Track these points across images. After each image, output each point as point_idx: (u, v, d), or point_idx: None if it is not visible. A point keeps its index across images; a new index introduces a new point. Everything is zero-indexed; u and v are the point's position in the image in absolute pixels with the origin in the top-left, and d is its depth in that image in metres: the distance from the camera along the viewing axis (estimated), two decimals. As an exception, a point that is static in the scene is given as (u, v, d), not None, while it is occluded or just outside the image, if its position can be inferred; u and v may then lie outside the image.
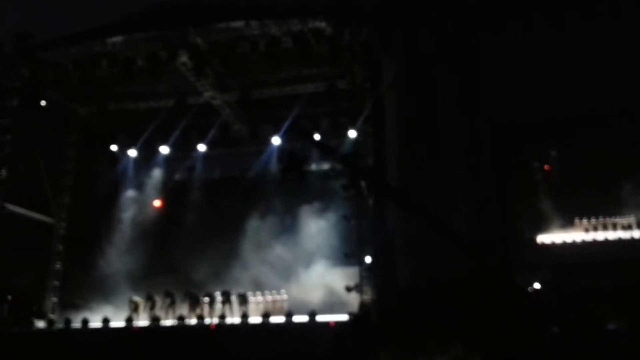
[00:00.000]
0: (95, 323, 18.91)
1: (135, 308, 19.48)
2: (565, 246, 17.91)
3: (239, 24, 18.18)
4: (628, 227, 17.77)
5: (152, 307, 19.53)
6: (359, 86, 18.51)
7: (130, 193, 23.03)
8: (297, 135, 13.23)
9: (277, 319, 17.84)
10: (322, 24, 17.70)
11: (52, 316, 20.37)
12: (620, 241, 17.50)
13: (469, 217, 17.35)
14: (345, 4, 17.55)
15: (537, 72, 17.55)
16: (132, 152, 22.95)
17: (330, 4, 17.72)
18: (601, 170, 18.01)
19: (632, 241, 17.41)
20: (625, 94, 17.02)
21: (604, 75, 17.22)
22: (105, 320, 18.89)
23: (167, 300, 19.58)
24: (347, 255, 18.18)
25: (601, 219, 18.11)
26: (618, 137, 17.78)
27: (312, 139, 16.43)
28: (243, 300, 19.15)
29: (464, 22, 17.74)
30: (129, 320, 18.95)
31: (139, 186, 23.22)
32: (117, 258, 21.57)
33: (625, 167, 18.00)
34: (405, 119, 18.38)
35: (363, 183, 18.66)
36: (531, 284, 16.36)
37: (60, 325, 19.37)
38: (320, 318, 17.29)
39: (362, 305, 17.38)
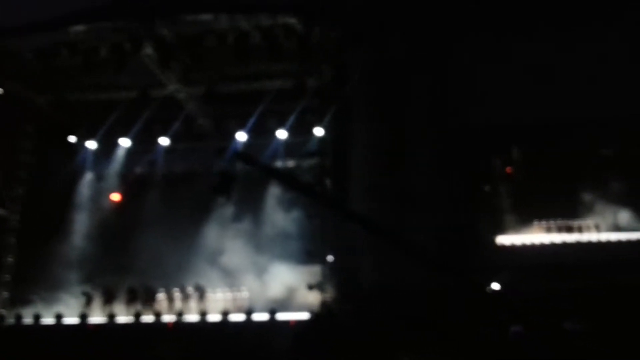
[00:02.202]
0: (48, 319, 18.37)
1: (88, 301, 18.94)
2: (524, 248, 18.18)
3: (207, 17, 17.93)
4: (586, 230, 18.15)
5: (107, 303, 19.07)
6: (327, 85, 18.50)
7: (88, 186, 22.41)
8: (243, 161, 13.27)
9: (237, 317, 17.62)
10: (293, 21, 17.60)
11: (2, 311, 19.64)
12: (578, 244, 17.86)
13: (434, 221, 17.49)
14: (317, 2, 17.50)
15: (505, 77, 17.83)
16: (92, 144, 22.34)
17: (302, 1, 17.63)
18: (562, 175, 18.36)
19: (590, 244, 17.78)
20: (589, 103, 17.42)
21: (570, 84, 17.61)
22: (59, 316, 18.38)
23: (123, 297, 19.17)
24: (310, 253, 18.08)
25: (560, 221, 18.44)
26: (579, 143, 18.17)
27: (260, 164, 16.30)
28: (202, 296, 18.89)
29: (435, 26, 17.89)
30: (83, 316, 18.46)
31: (98, 179, 22.61)
32: (72, 252, 20.92)
33: (585, 172, 18.40)
34: (372, 120, 18.44)
35: (328, 182, 18.68)
36: (490, 286, 16.54)
37: (11, 320, 18.76)
38: (280, 316, 17.15)
39: (324, 304, 17.31)
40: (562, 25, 17.60)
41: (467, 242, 17.81)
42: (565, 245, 17.85)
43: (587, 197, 18.34)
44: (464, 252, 17.24)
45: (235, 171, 12.24)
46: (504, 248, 18.30)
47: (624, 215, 18.17)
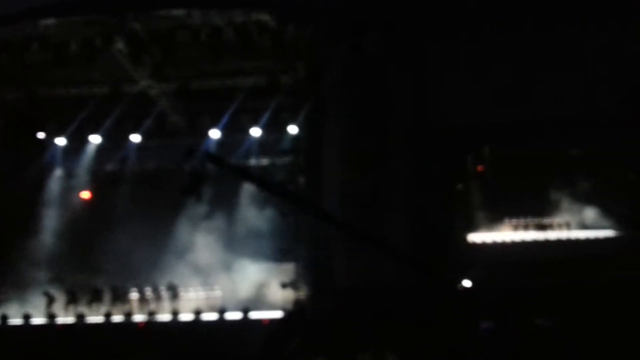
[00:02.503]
0: (16, 319, 18.00)
1: (50, 302, 18.62)
2: (495, 246, 18.35)
3: (180, 12, 17.72)
4: (557, 228, 18.40)
5: (71, 303, 18.79)
6: (302, 82, 18.43)
7: (57, 183, 22.02)
8: (212, 162, 13.24)
9: (210, 316, 17.47)
10: (266, 17, 17.49)
11: (-32, 311, 19.18)
12: (548, 241, 18.08)
13: (409, 220, 17.55)
14: (291, -1, 17.45)
15: (477, 77, 17.98)
16: (61, 141, 21.94)
17: (276, -2, 17.56)
18: (533, 174, 18.57)
19: (560, 242, 18.02)
20: (560, 104, 17.68)
21: (542, 84, 17.82)
22: (26, 317, 18.02)
23: (93, 296, 18.89)
24: (284, 251, 18.01)
25: (530, 219, 18.66)
26: (549, 142, 18.39)
27: (230, 166, 16.22)
28: (174, 296, 18.70)
29: (413, 25, 17.93)
30: (52, 316, 18.13)
31: (67, 176, 22.24)
32: (41, 251, 20.55)
33: (555, 171, 18.64)
34: (347, 120, 18.44)
35: (302, 180, 18.64)
36: (461, 282, 16.68)
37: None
38: (253, 315, 17.06)
39: (297, 302, 17.27)
40: (535, 24, 17.78)
41: (439, 241, 17.91)
42: (535, 243, 18.03)
43: (556, 195, 18.57)
44: (436, 250, 17.35)
45: (205, 172, 12.06)
46: (475, 246, 18.43)
47: (592, 214, 18.45)
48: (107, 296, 19.11)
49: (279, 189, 15.50)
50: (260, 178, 17.05)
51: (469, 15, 17.97)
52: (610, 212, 18.11)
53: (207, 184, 11.91)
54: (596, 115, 17.81)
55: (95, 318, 18.27)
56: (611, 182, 18.60)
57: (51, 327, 17.94)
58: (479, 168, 19.24)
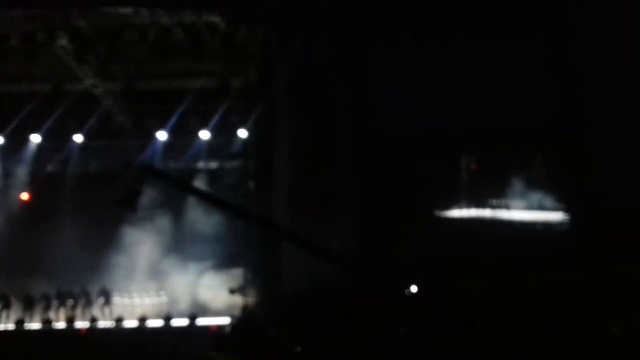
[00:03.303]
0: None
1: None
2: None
3: (127, 10, 17.28)
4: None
5: (8, 307, 18.21)
6: (252, 85, 18.28)
7: (-6, 183, 21.11)
8: (151, 175, 13.10)
9: (155, 323, 17.13)
10: (217, 19, 17.25)
11: None
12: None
13: (356, 223, 17.68)
14: (242, 1, 17.23)
15: (423, 83, 18.30)
16: (-1, 139, 21.03)
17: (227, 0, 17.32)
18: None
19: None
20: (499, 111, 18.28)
21: (482, 92, 18.33)
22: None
23: (30, 301, 18.25)
24: (232, 256, 17.83)
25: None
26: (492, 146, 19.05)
27: (170, 178, 16.03)
28: (116, 301, 18.25)
29: (360, 30, 18.06)
30: (-11, 323, 17.45)
31: (5, 177, 21.30)
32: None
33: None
34: (296, 124, 18.43)
35: (251, 184, 18.50)
36: (408, 288, 16.91)
37: None
38: (201, 321, 16.83)
39: (245, 308, 17.13)
40: (476, 33, 18.27)
41: (386, 244, 18.14)
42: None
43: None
44: (382, 253, 17.56)
45: (141, 185, 11.85)
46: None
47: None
48: (46, 302, 18.50)
49: (220, 201, 15.30)
50: (200, 190, 16.82)
51: (414, 21, 18.27)
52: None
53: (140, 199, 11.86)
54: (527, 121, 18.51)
55: (34, 324, 17.66)
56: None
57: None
58: (472, 168, 19.62)
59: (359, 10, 18.17)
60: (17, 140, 20.82)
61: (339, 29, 18.07)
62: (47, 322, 17.56)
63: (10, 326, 17.63)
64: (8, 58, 17.79)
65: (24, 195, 21.08)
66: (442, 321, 13.34)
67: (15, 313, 18.18)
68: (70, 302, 18.35)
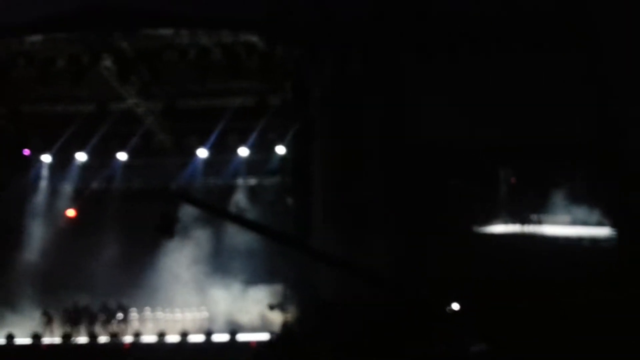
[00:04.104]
0: (-1, 339, 17.82)
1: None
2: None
3: (168, 31, 17.68)
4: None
5: (50, 323, 18.66)
6: (289, 103, 18.44)
7: (42, 201, 21.78)
8: (185, 202, 13.47)
9: (196, 338, 17.36)
10: (254, 38, 17.49)
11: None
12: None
13: (390, 239, 17.59)
14: (278, 21, 17.43)
15: (457, 98, 18.17)
16: (47, 158, 21.75)
17: (264, 19, 17.53)
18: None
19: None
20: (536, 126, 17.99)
21: (518, 106, 18.08)
22: (10, 337, 17.81)
23: (77, 316, 18.72)
24: (271, 272, 17.95)
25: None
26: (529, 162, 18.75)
27: (201, 203, 16.33)
28: (159, 317, 18.56)
29: (392, 44, 18.07)
30: (36, 336, 17.93)
31: (52, 194, 22.00)
32: (25, 269, 20.30)
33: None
34: (330, 140, 18.48)
35: (289, 200, 18.63)
36: (449, 305, 16.73)
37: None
38: (241, 337, 16.98)
39: (285, 324, 17.19)
40: (510, 46, 18.06)
41: (421, 260, 17.97)
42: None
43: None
44: (421, 271, 17.40)
45: (177, 212, 12.30)
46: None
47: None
48: (90, 316, 18.95)
49: (256, 225, 15.59)
50: (235, 215, 17.10)
51: (447, 36, 18.17)
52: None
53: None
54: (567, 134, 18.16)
55: (80, 339, 18.12)
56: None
57: (36, 347, 17.72)
58: (513, 180, 19.37)
59: (391, 25, 18.18)
60: (64, 159, 21.54)
61: (371, 44, 18.12)
62: (92, 336, 17.95)
63: (57, 340, 18.05)
64: (54, 80, 18.33)
65: (70, 212, 21.70)
66: (482, 341, 13.22)
67: (60, 328, 18.61)
68: (119, 316, 18.72)
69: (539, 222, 18.89)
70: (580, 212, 18.92)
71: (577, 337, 13.93)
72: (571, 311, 15.22)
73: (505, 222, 19.08)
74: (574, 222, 18.89)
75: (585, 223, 18.71)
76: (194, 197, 14.74)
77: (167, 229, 11.94)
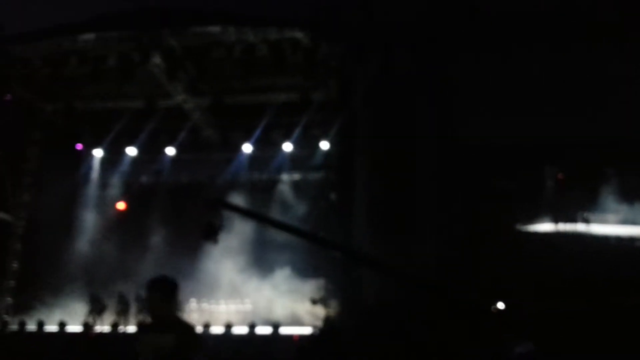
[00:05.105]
0: (51, 326, 18.41)
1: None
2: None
3: (215, 29, 17.96)
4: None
5: (102, 311, 19.19)
6: (333, 99, 18.52)
7: (93, 193, 22.50)
8: (225, 208, 13.80)
9: (240, 330, 17.64)
10: (300, 35, 17.62)
11: (6, 317, 19.73)
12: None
13: (437, 239, 17.47)
14: (324, 18, 17.50)
15: (507, 97, 17.88)
16: (98, 152, 22.45)
17: (309, 17, 17.63)
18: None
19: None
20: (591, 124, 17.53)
21: (569, 104, 17.68)
22: (62, 324, 18.43)
23: (128, 306, 19.24)
24: (314, 266, 18.07)
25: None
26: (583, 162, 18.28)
27: (242, 210, 16.61)
28: (206, 308, 18.91)
29: (441, 42, 17.91)
30: (87, 325, 18.52)
31: (103, 187, 22.72)
32: (76, 260, 21.01)
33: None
34: (374, 137, 18.44)
35: (333, 196, 18.71)
36: (495, 304, 16.52)
37: (14, 327, 18.81)
38: (283, 331, 17.15)
39: (327, 318, 17.29)
40: (564, 44, 17.65)
41: (467, 262, 17.77)
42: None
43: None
44: (466, 270, 17.22)
45: (221, 220, 12.84)
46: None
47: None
48: (138, 306, 19.43)
49: (293, 229, 15.81)
50: (272, 219, 17.30)
51: (496, 34, 17.89)
52: None
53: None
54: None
55: (128, 327, 18.63)
56: None
57: (86, 335, 18.29)
58: (560, 176, 19.06)
59: (441, 22, 18.01)
60: (115, 153, 22.18)
61: (420, 41, 17.99)
62: (139, 325, 18.38)
63: (107, 328, 18.61)
64: (106, 77, 18.85)
65: (121, 205, 22.35)
66: (529, 341, 13.02)
67: (109, 317, 19.18)
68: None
69: (587, 221, 18.49)
70: (631, 210, 18.44)
71: (626, 339, 13.61)
72: (621, 312, 14.86)
73: (552, 220, 18.75)
74: (624, 221, 18.42)
75: (635, 222, 18.24)
76: (229, 203, 15.06)
77: (211, 236, 12.83)
